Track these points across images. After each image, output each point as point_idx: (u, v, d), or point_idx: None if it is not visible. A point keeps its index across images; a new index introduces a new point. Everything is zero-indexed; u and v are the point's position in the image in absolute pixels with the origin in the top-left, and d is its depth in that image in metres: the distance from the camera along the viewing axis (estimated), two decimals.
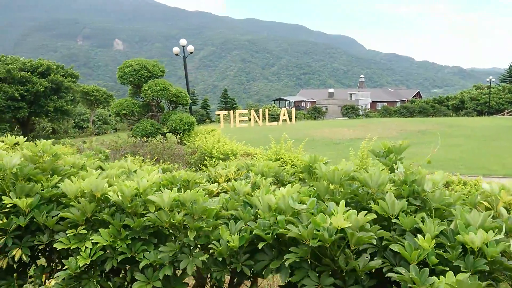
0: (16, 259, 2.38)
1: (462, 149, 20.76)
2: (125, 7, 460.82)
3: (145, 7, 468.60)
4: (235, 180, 2.84)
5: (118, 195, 2.27)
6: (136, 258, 2.16)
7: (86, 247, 2.23)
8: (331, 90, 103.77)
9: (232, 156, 10.65)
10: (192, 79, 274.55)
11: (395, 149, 2.46)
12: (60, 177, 2.70)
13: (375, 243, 1.83)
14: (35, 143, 2.85)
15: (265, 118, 41.09)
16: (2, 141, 3.76)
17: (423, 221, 1.83)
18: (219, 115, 41.87)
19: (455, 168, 14.72)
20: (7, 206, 2.39)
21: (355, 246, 1.72)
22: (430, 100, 62.95)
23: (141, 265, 2.07)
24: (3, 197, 2.41)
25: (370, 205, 1.97)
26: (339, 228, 1.70)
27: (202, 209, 2.07)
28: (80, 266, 2.17)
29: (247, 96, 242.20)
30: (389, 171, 2.46)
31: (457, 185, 7.08)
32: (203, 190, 2.69)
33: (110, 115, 41.27)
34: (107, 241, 2.19)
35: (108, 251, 2.28)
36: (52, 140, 2.88)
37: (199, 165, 10.79)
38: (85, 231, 2.30)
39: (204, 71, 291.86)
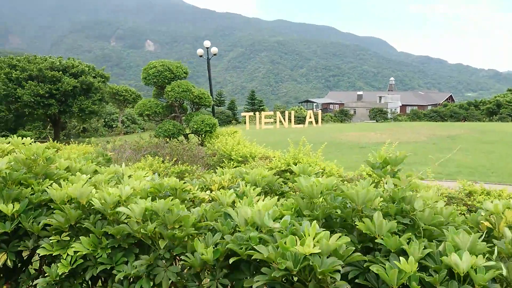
0: (0, 264, 2.36)
1: (494, 156, 19.95)
2: (157, 9, 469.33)
3: (176, 8, 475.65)
4: (228, 188, 2.76)
5: (100, 202, 2.22)
6: (114, 271, 2.11)
7: (68, 255, 2.20)
8: (360, 92, 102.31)
9: (251, 158, 10.57)
10: (221, 80, 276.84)
11: (391, 161, 2.32)
12: (52, 182, 2.68)
13: (341, 271, 1.69)
14: (29, 146, 2.85)
15: (290, 120, 40.83)
16: (9, 143, 3.81)
17: (409, 242, 1.70)
18: (244, 116, 41.91)
19: (485, 176, 14.17)
20: None
21: (320, 275, 1.59)
22: (462, 104, 60.93)
23: (117, 277, 2.02)
24: None
25: (355, 223, 1.84)
26: (307, 254, 1.58)
27: (176, 218, 1.99)
28: (59, 274, 2.14)
29: (275, 98, 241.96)
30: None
31: (479, 195, 6.76)
32: (191, 198, 2.62)
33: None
34: (88, 249, 2.15)
35: (90, 260, 2.24)
36: (46, 145, 2.87)
37: (218, 167, 10.76)
38: (68, 238, 2.27)
39: (232, 72, 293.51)
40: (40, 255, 2.70)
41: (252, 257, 1.69)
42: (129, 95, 40.15)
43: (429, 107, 74.66)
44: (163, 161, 10.21)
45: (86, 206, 2.34)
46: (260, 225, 1.82)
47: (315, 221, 1.73)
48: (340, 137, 30.11)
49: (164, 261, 2.04)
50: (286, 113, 41.72)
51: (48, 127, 39.18)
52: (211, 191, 2.75)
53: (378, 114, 51.34)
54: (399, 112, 79.23)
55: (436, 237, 1.85)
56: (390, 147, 8.36)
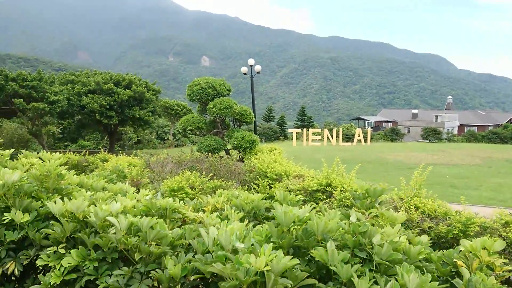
0: (9, 272, 2.60)
1: None
2: (213, 26, 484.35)
3: (232, 25, 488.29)
4: (222, 210, 2.87)
5: (94, 216, 2.42)
6: (97, 281, 2.27)
7: (61, 265, 2.39)
8: (415, 111, 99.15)
9: (285, 177, 10.61)
10: (273, 96, 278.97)
11: (371, 193, 2.32)
12: (60, 196, 2.93)
13: None
14: (44, 163, 3.13)
15: (338, 137, 40.31)
16: (40, 158, 4.16)
17: (360, 276, 1.72)
18: (292, 132, 41.96)
19: None
20: (4, 221, 2.64)
21: None
22: None
23: None
24: (4, 213, 2.67)
25: (310, 251, 1.89)
26: (259, 271, 1.66)
27: (155, 235, 2.13)
28: (51, 283, 2.33)
29: (327, 114, 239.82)
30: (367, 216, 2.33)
31: None
32: (182, 218, 2.76)
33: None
34: (76, 261, 2.34)
35: (79, 271, 2.42)
36: (61, 158, 3.13)
37: (252, 183, 10.89)
38: (63, 250, 2.47)
39: (285, 88, 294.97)
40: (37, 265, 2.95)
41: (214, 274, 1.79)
42: (180, 109, 41.58)
43: (490, 128, 70.76)
44: (200, 176, 10.49)
45: (82, 220, 2.55)
46: (224, 246, 1.92)
47: (272, 243, 1.80)
48: (388, 157, 29.32)
49: (140, 275, 2.18)
50: (334, 130, 41.26)
51: (106, 138, 41.41)
52: (204, 212, 2.88)
53: (432, 134, 49.33)
54: (456, 132, 75.76)
55: (393, 274, 1.85)
56: (424, 170, 8.10)
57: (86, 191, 3.28)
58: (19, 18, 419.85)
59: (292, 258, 1.71)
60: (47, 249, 2.49)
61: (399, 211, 7.41)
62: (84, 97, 29.00)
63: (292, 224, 2.11)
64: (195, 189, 9.76)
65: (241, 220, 2.60)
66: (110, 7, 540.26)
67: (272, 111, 75.50)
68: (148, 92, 31.12)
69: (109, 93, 29.35)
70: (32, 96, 25.70)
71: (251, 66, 19.96)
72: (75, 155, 19.79)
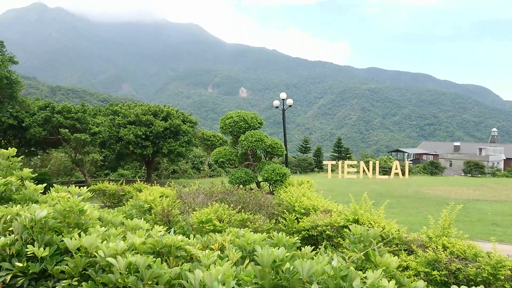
0: None
1: None
2: (251, 58, 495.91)
3: (270, 58, 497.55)
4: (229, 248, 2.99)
5: (103, 253, 2.60)
6: None
7: None
8: (457, 143, 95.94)
9: (313, 211, 10.57)
10: (310, 127, 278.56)
11: (364, 236, 2.38)
12: (80, 231, 3.16)
13: None
14: (69, 198, 3.38)
15: (375, 170, 39.53)
16: (69, 192, 4.45)
17: None
18: (326, 165, 41.58)
19: None
20: (28, 253, 2.88)
21: None
22: None
23: None
24: (28, 246, 2.92)
25: None
26: None
27: (151, 274, 2.27)
28: None
29: (365, 146, 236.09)
30: (363, 260, 2.38)
31: None
32: (189, 255, 2.90)
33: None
34: None
35: None
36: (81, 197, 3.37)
37: (280, 217, 10.91)
38: (76, 283, 2.66)
39: (322, 119, 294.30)
40: None
41: None
42: (216, 140, 42.41)
43: None
44: (228, 208, 10.63)
45: (93, 256, 2.74)
46: (209, 287, 2.04)
47: (255, 284, 1.90)
48: (426, 192, 28.44)
49: None
50: (371, 163, 40.54)
51: (143, 167, 42.65)
52: (211, 250, 3.00)
53: (474, 168, 47.40)
54: (502, 167, 72.30)
55: None
56: (454, 208, 7.86)
57: (106, 226, 3.51)
58: (69, 52, 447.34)
59: None
60: (63, 281, 2.69)
61: (426, 251, 7.21)
62: (123, 128, 30.29)
63: (274, 264, 2.18)
64: (223, 222, 9.90)
65: (242, 259, 2.71)
66: (153, 41, 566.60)
67: (308, 142, 75.22)
68: (184, 123, 32.09)
69: (147, 124, 30.55)
70: (76, 127, 27.16)
71: (283, 99, 20.27)
72: (113, 185, 20.59)
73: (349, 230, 2.70)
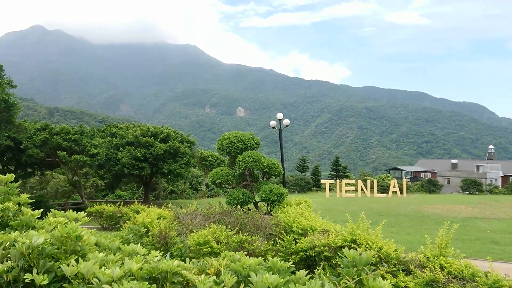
0: None
1: None
2: (248, 78, 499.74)
3: (267, 78, 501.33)
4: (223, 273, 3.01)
5: (99, 280, 2.63)
6: None
7: None
8: (455, 160, 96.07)
9: (311, 231, 10.53)
10: (307, 146, 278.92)
11: (357, 260, 2.42)
12: (77, 257, 3.18)
13: None
14: (66, 224, 3.42)
15: (373, 189, 39.50)
16: (66, 217, 4.48)
17: None
18: (324, 184, 41.54)
19: None
20: (26, 280, 2.90)
21: None
22: None
23: None
24: (27, 274, 2.93)
25: None
26: None
27: None
28: None
29: (363, 164, 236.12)
30: (355, 284, 2.42)
31: None
32: (185, 280, 2.93)
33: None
34: None
35: None
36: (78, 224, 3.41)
37: (278, 238, 10.87)
38: None
39: (320, 137, 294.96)
40: None
41: None
42: (214, 160, 42.43)
43: None
44: (226, 229, 10.60)
45: (90, 282, 2.77)
46: None
47: None
48: (425, 210, 28.39)
49: None
50: (368, 181, 40.55)
51: (141, 188, 42.51)
52: (206, 274, 3.03)
53: (472, 186, 47.40)
54: (500, 184, 72.30)
55: None
56: (451, 227, 7.88)
57: (103, 251, 3.53)
58: (68, 74, 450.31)
59: None
60: None
61: (424, 271, 7.19)
62: (122, 149, 30.32)
63: None
64: (220, 243, 9.87)
65: (238, 284, 2.74)
66: (152, 62, 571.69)
67: (306, 161, 75.24)
68: (183, 144, 32.17)
69: (146, 145, 30.61)
70: (73, 149, 27.15)
71: (279, 120, 20.41)
72: (111, 206, 20.50)
73: (348, 250, 2.74)
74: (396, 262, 7.65)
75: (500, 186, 62.78)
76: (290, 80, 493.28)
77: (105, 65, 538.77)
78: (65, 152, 26.42)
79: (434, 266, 7.04)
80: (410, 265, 7.51)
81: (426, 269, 7.04)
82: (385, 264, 7.54)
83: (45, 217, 4.26)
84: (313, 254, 9.17)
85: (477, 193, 46.35)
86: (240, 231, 10.80)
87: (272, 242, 10.81)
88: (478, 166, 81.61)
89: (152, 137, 30.94)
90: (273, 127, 20.65)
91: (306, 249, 9.30)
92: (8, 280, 2.98)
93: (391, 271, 7.47)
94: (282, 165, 17.27)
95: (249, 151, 15.13)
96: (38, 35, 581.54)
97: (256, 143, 15.67)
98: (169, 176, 31.60)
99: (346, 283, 2.22)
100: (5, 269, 2.95)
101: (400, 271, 7.43)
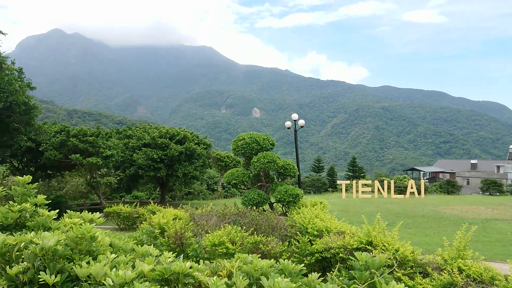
0: None
1: None
2: (264, 79, 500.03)
3: (282, 78, 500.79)
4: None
5: (112, 281, 2.64)
6: None
7: None
8: (474, 161, 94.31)
9: (326, 233, 10.45)
10: (323, 146, 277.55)
11: (370, 264, 2.38)
12: (91, 258, 3.21)
13: None
14: (80, 225, 3.45)
15: (390, 189, 39.01)
16: (82, 217, 4.53)
17: None
18: (340, 184, 41.22)
19: None
20: (40, 281, 2.93)
21: None
22: None
23: None
24: (41, 273, 2.97)
25: None
26: None
27: None
28: None
29: (380, 164, 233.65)
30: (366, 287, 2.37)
31: None
32: (197, 282, 2.92)
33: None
34: None
35: None
36: (94, 223, 3.44)
37: (293, 240, 10.81)
38: None
39: (336, 138, 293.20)
40: None
41: None
42: (230, 161, 42.54)
43: None
44: (241, 230, 10.59)
45: (102, 284, 2.78)
46: None
47: None
48: (443, 211, 27.90)
49: None
50: (385, 182, 40.05)
51: (158, 189, 42.86)
52: (220, 276, 3.02)
53: (492, 186, 46.40)
54: None
55: None
56: (469, 228, 7.71)
57: (116, 252, 3.55)
58: (86, 76, 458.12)
59: None
60: None
61: (441, 274, 7.06)
62: (138, 151, 30.61)
63: None
64: (235, 244, 9.86)
65: (250, 286, 2.72)
66: (167, 65, 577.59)
67: (321, 161, 74.77)
68: (199, 146, 32.30)
69: (162, 147, 30.86)
70: (89, 151, 27.53)
71: (294, 120, 20.33)
72: (127, 207, 20.72)
73: (361, 252, 2.69)
74: (413, 264, 7.53)
75: None
76: (306, 81, 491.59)
77: (121, 67, 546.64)
78: (78, 155, 26.79)
79: (452, 269, 6.90)
80: (427, 268, 7.38)
81: (444, 272, 6.91)
82: (399, 267, 7.41)
83: (61, 218, 4.32)
84: (329, 256, 9.09)
85: (497, 194, 45.36)
86: (255, 232, 10.78)
87: (287, 243, 10.75)
88: (498, 167, 79.96)
89: (169, 139, 31.14)
90: (289, 128, 20.59)
91: (321, 250, 9.22)
92: (23, 281, 3.02)
93: (408, 274, 7.35)
94: (298, 166, 17.20)
95: (264, 152, 15.11)
96: (57, 38, 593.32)
97: (271, 144, 15.64)
98: (185, 179, 31.75)
99: (357, 287, 2.18)
100: (21, 270, 2.99)
101: (417, 274, 7.31)
